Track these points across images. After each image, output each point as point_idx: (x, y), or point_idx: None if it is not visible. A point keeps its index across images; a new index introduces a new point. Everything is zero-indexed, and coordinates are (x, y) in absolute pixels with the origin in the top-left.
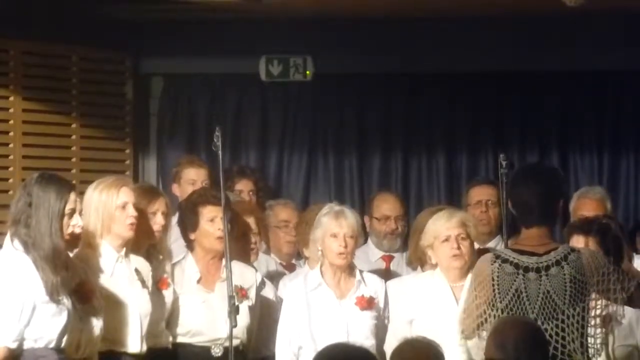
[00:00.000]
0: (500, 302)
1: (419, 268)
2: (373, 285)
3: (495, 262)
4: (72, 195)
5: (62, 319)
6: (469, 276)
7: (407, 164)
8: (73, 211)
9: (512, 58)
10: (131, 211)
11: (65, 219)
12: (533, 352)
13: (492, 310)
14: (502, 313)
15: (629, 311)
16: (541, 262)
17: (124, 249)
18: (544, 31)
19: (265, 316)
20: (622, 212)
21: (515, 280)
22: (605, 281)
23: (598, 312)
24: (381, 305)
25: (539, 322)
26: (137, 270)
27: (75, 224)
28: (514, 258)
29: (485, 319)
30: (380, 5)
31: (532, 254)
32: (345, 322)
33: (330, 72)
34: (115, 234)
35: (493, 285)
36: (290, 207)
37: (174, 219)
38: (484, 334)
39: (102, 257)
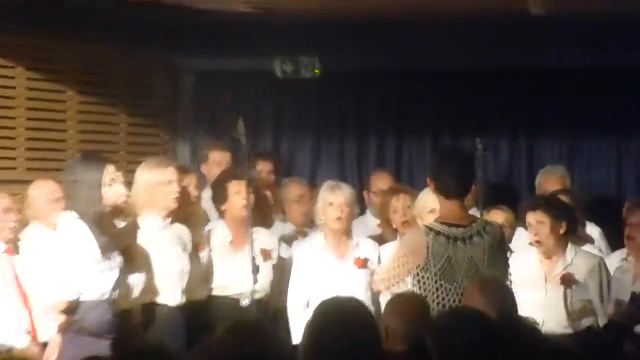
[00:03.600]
0: (434, 266)
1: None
2: (368, 249)
3: (429, 234)
4: (110, 168)
5: (113, 274)
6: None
7: (399, 148)
8: (112, 181)
9: (501, 56)
10: (175, 187)
11: (106, 187)
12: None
13: (426, 273)
14: (435, 275)
15: (583, 267)
16: (466, 233)
17: (169, 218)
18: (516, 31)
19: (281, 274)
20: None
21: (447, 249)
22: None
23: None
24: (374, 266)
25: (465, 282)
26: (179, 236)
27: (120, 194)
28: (444, 231)
29: (419, 280)
30: (380, 13)
31: (459, 225)
32: (345, 278)
33: (335, 70)
34: (162, 205)
35: (427, 253)
36: (302, 183)
37: (205, 194)
38: (394, 289)
39: (151, 225)
